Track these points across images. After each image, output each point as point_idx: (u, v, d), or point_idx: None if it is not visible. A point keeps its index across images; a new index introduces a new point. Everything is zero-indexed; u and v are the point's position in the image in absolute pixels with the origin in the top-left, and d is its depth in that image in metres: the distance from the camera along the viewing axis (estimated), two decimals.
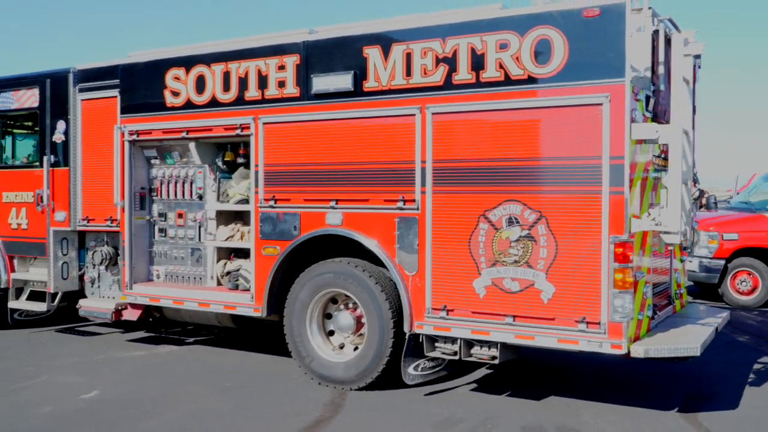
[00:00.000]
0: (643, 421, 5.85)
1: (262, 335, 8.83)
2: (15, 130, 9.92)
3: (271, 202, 7.06)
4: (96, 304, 8.49)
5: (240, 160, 7.75)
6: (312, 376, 6.91)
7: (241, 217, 7.86)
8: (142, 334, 9.22)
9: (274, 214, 7.05)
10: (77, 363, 7.71)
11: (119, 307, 8.26)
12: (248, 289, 7.36)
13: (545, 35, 5.72)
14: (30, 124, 9.91)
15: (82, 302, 8.61)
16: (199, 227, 7.93)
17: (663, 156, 6.48)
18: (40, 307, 8.87)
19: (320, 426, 5.71)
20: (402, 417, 5.93)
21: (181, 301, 7.69)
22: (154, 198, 8.24)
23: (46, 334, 9.28)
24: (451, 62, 6.13)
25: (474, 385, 6.89)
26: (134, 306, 8.19)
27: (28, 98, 8.93)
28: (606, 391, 6.64)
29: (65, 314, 9.31)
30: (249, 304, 7.22)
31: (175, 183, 8.08)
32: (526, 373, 7.29)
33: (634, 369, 7.32)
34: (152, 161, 8.21)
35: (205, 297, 7.56)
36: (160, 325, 9.51)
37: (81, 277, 8.88)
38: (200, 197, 7.93)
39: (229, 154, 7.81)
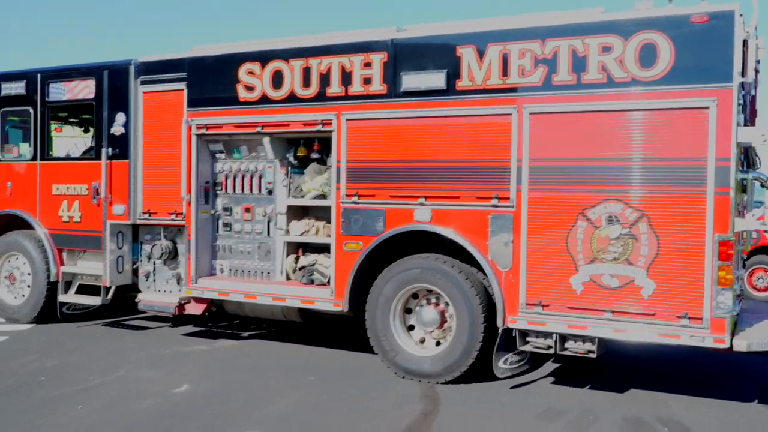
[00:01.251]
0: (731, 412, 6.09)
1: (320, 329, 8.88)
2: (55, 122, 9.79)
3: (354, 198, 7.11)
4: (157, 298, 8.43)
5: (314, 156, 7.77)
6: (395, 370, 6.99)
7: (313, 212, 7.88)
8: (191, 328, 9.17)
9: (358, 210, 7.10)
10: (147, 357, 7.65)
11: (182, 301, 8.22)
12: (325, 284, 7.42)
13: (650, 40, 5.91)
14: (65, 115, 9.83)
15: (141, 296, 8.54)
16: (268, 222, 7.93)
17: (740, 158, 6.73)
18: (94, 300, 8.76)
19: (430, 418, 5.81)
20: (503, 409, 6.06)
21: (254, 296, 7.69)
22: (218, 192, 8.22)
23: (94, 328, 9.16)
24: (551, 63, 6.28)
25: (552, 378, 7.05)
26: (198, 300, 8.16)
27: (82, 89, 8.79)
28: (679, 382, 6.87)
29: (105, 308, 9.25)
30: (328, 299, 7.27)
31: (242, 177, 8.07)
32: (591, 366, 7.45)
33: (693, 361, 7.58)
34: (217, 155, 8.18)
35: (281, 291, 7.57)
36: (207, 320, 9.46)
37: (134, 271, 8.80)
38: (270, 192, 7.93)
39: (302, 150, 7.82)
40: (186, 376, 6.92)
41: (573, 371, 7.30)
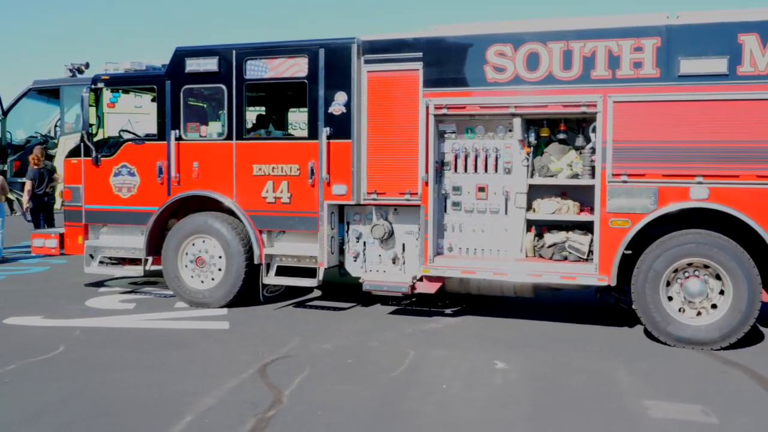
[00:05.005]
0: None
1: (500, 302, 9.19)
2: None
3: (623, 177, 7.43)
4: (386, 278, 8.47)
5: (560, 136, 8.01)
6: (665, 339, 7.40)
7: (552, 191, 8.10)
8: (387, 306, 9.19)
9: (626, 189, 7.43)
10: (402, 336, 7.70)
11: (414, 281, 8.31)
12: (581, 260, 7.75)
13: None
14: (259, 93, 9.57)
15: (365, 277, 8.55)
16: (506, 200, 8.13)
17: None
18: (310, 282, 8.68)
19: (762, 381, 6.29)
20: None
21: (504, 273, 7.91)
22: (444, 171, 8.31)
23: (293, 309, 9.08)
24: None
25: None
26: (432, 279, 8.27)
27: (289, 67, 8.60)
28: None
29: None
30: (592, 274, 7.60)
31: (475, 157, 8.20)
32: None
33: None
34: (446, 135, 8.27)
35: (536, 268, 7.82)
36: (390, 298, 9.49)
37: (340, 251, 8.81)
38: (507, 171, 8.12)
39: (545, 130, 8.03)
40: (479, 354, 7.04)
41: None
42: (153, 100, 10.70)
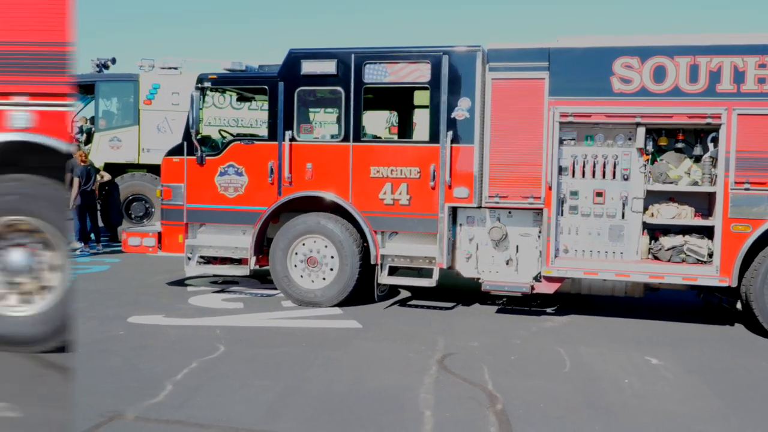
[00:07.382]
0: None
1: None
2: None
3: (746, 185, 7.93)
4: (505, 278, 8.77)
5: (678, 145, 8.46)
6: None
7: (663, 196, 8.54)
8: (490, 306, 9.49)
9: (748, 197, 7.94)
10: (537, 333, 8.03)
11: (534, 281, 8.64)
12: (699, 262, 8.22)
13: None
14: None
15: (483, 277, 8.83)
16: (623, 205, 8.54)
17: None
18: (428, 282, 8.91)
19: None
20: None
21: (627, 274, 8.33)
22: (563, 176, 8.66)
23: (400, 308, 9.28)
24: None
25: None
26: (551, 279, 8.62)
27: (410, 72, 8.81)
28: None
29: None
30: (713, 276, 8.08)
31: (593, 163, 8.58)
32: None
33: None
34: (564, 141, 8.62)
35: (658, 270, 8.27)
36: (488, 297, 9.79)
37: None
38: (626, 177, 8.53)
39: (663, 139, 8.47)
40: (625, 351, 7.34)
41: None
42: (244, 100, 10.74)
